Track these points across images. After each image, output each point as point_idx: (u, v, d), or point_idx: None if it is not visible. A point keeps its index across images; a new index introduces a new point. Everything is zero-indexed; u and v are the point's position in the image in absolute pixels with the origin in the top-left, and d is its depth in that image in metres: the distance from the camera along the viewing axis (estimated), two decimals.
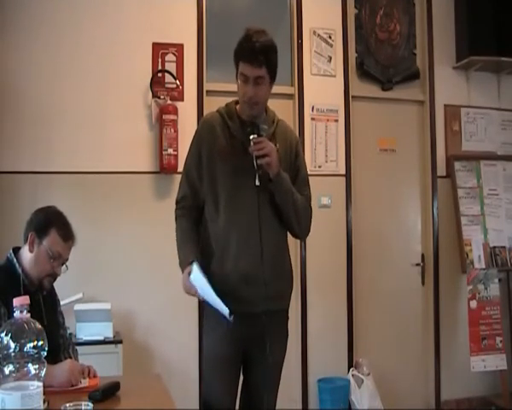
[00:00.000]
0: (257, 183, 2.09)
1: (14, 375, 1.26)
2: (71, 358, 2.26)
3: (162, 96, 3.75)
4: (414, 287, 4.39)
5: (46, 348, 1.34)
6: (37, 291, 2.15)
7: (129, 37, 3.75)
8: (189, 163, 2.25)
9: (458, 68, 4.46)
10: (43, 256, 2.12)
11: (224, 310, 2.03)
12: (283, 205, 2.17)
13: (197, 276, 2.04)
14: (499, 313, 4.16)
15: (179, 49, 3.85)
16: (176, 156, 3.64)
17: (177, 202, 2.28)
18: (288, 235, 2.32)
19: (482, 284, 4.15)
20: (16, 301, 1.36)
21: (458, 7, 4.41)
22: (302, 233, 2.33)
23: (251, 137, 2.09)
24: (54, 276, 2.17)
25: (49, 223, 2.14)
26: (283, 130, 2.28)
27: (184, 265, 2.13)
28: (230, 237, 2.14)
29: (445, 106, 4.44)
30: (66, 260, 2.19)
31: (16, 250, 2.18)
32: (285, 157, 2.20)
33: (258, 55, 2.06)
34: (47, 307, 2.18)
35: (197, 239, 2.22)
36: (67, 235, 2.17)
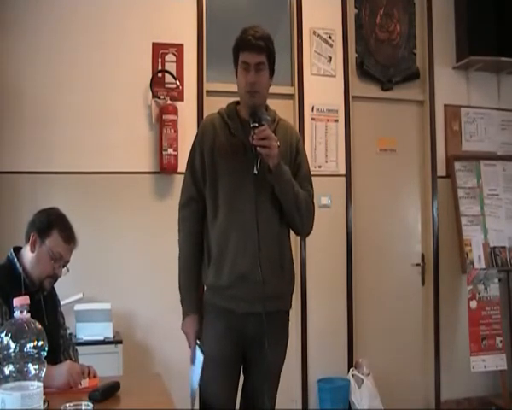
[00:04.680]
0: (255, 171, 2.08)
1: (14, 375, 1.26)
2: (71, 358, 2.26)
3: (162, 96, 3.75)
4: (414, 287, 4.39)
5: (46, 348, 1.34)
6: (38, 291, 2.15)
7: (129, 37, 3.75)
8: (193, 164, 2.24)
9: (458, 68, 4.46)
10: (44, 257, 2.12)
11: (193, 387, 2.14)
12: (284, 197, 2.16)
13: (199, 356, 2.13)
14: (499, 313, 4.16)
15: (179, 49, 3.85)
16: (176, 156, 3.64)
17: (184, 205, 2.25)
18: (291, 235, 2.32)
19: (482, 284, 4.15)
20: (16, 302, 1.36)
21: (458, 7, 4.41)
22: (304, 228, 2.30)
23: (252, 125, 2.09)
24: (54, 277, 2.18)
25: (52, 224, 2.14)
26: (284, 128, 2.28)
27: (187, 310, 2.19)
28: (229, 236, 2.14)
29: (445, 106, 4.44)
30: (67, 262, 2.20)
31: (17, 250, 2.18)
32: (285, 155, 2.19)
33: (258, 41, 2.15)
34: (47, 308, 2.18)
35: (201, 256, 2.23)
36: (69, 237, 2.18)
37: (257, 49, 2.14)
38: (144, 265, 3.68)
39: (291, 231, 2.31)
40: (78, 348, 3.05)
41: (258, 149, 2.06)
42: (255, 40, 2.14)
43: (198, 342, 2.14)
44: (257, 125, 2.09)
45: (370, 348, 4.16)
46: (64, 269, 2.19)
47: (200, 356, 2.12)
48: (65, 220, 2.21)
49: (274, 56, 2.21)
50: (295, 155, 2.27)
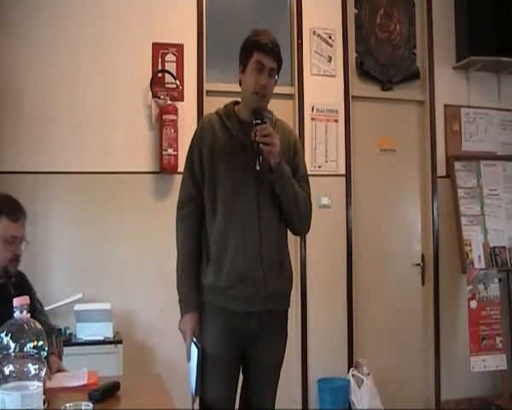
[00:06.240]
0: (257, 167, 2.08)
1: (14, 375, 1.26)
2: (53, 345, 2.24)
3: (162, 96, 3.75)
4: (414, 287, 4.39)
5: (46, 348, 1.34)
6: (6, 283, 2.13)
7: (129, 37, 3.75)
8: (192, 164, 2.24)
9: (458, 68, 4.46)
10: None
11: (192, 385, 2.13)
12: (284, 195, 2.16)
13: (194, 351, 2.14)
14: (499, 313, 4.16)
15: (179, 49, 3.85)
16: (176, 156, 3.64)
17: (183, 205, 2.25)
18: (289, 235, 2.32)
19: (482, 284, 4.15)
20: (16, 302, 1.37)
21: (458, 7, 4.41)
22: (303, 227, 2.31)
23: (254, 122, 2.10)
24: (16, 258, 2.15)
25: None
26: (282, 129, 2.28)
27: (185, 308, 2.19)
28: (228, 236, 2.14)
29: (445, 106, 4.44)
30: (24, 236, 2.16)
31: None
32: (283, 156, 2.19)
33: (275, 47, 2.19)
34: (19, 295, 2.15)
35: (200, 256, 2.23)
36: (17, 215, 2.13)
37: (273, 55, 2.17)
38: (144, 265, 3.68)
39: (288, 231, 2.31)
40: (78, 348, 3.05)
41: (260, 145, 2.07)
42: (272, 45, 2.17)
43: (194, 339, 2.14)
44: (259, 122, 2.10)
45: (370, 348, 4.16)
46: (23, 244, 2.15)
47: (194, 351, 2.12)
48: (8, 200, 2.17)
49: (281, 65, 2.24)
50: (293, 156, 2.27)
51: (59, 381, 1.95)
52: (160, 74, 3.80)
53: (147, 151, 3.75)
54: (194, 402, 2.15)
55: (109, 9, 3.73)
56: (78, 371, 2.09)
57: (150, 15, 3.79)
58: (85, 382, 1.97)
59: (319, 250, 4.05)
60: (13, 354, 1.28)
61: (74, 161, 3.62)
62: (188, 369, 2.18)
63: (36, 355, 1.30)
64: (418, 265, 4.40)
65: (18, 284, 2.20)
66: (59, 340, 2.31)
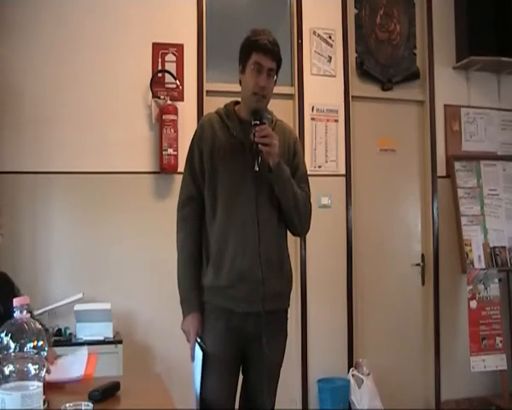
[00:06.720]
0: (256, 168, 2.08)
1: (14, 375, 1.26)
2: None
3: (162, 96, 3.75)
4: (414, 287, 4.39)
5: (46, 348, 1.34)
6: None
7: (129, 37, 3.75)
8: (192, 164, 2.24)
9: (458, 68, 4.47)
10: None
11: (196, 389, 2.13)
12: (283, 196, 2.16)
13: (198, 353, 2.14)
14: (499, 313, 4.16)
15: (179, 49, 3.85)
16: (176, 156, 3.64)
17: (183, 205, 2.25)
18: (288, 236, 2.32)
19: (482, 284, 4.15)
20: (16, 301, 1.37)
21: (458, 7, 4.41)
22: (303, 228, 2.31)
23: (253, 122, 2.10)
24: None
25: None
26: (281, 130, 2.28)
27: (187, 309, 2.19)
28: (228, 236, 2.14)
29: (445, 106, 4.44)
30: None
31: None
32: (283, 156, 2.19)
33: (274, 47, 2.18)
34: (3, 293, 2.13)
35: (200, 256, 2.22)
36: None
37: (272, 55, 2.16)
38: (144, 265, 3.68)
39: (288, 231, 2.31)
40: (78, 348, 3.05)
41: (259, 146, 2.07)
42: (271, 45, 2.16)
43: (198, 339, 2.14)
44: (258, 123, 2.10)
45: (370, 348, 4.16)
46: None
47: (199, 353, 2.12)
48: None
49: (281, 65, 2.23)
50: (293, 156, 2.27)
51: (57, 371, 1.94)
52: (160, 74, 3.80)
53: (147, 151, 3.75)
54: (198, 403, 2.14)
55: (109, 9, 3.73)
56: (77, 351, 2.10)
57: (150, 15, 3.79)
58: (82, 373, 1.96)
59: (319, 250, 4.05)
60: (13, 354, 1.28)
61: (74, 161, 3.62)
62: (192, 369, 2.18)
63: (36, 355, 1.30)
64: (418, 265, 4.40)
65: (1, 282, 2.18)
66: (48, 335, 2.30)
